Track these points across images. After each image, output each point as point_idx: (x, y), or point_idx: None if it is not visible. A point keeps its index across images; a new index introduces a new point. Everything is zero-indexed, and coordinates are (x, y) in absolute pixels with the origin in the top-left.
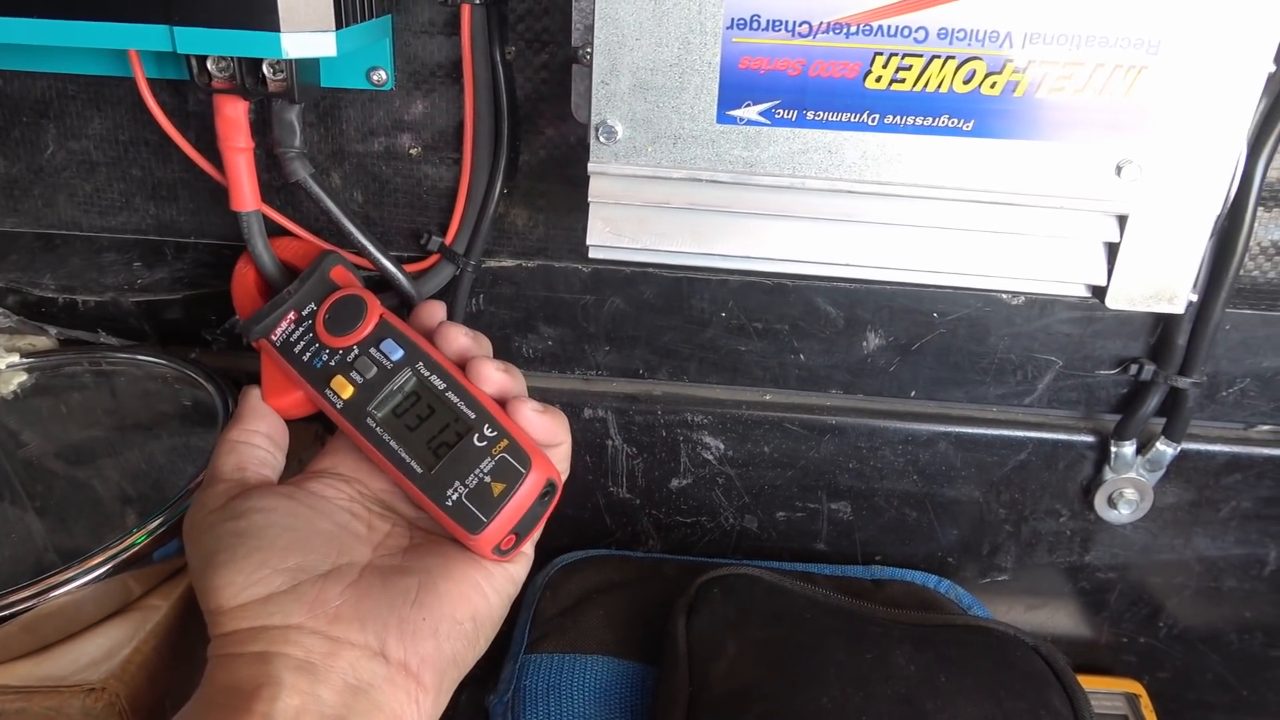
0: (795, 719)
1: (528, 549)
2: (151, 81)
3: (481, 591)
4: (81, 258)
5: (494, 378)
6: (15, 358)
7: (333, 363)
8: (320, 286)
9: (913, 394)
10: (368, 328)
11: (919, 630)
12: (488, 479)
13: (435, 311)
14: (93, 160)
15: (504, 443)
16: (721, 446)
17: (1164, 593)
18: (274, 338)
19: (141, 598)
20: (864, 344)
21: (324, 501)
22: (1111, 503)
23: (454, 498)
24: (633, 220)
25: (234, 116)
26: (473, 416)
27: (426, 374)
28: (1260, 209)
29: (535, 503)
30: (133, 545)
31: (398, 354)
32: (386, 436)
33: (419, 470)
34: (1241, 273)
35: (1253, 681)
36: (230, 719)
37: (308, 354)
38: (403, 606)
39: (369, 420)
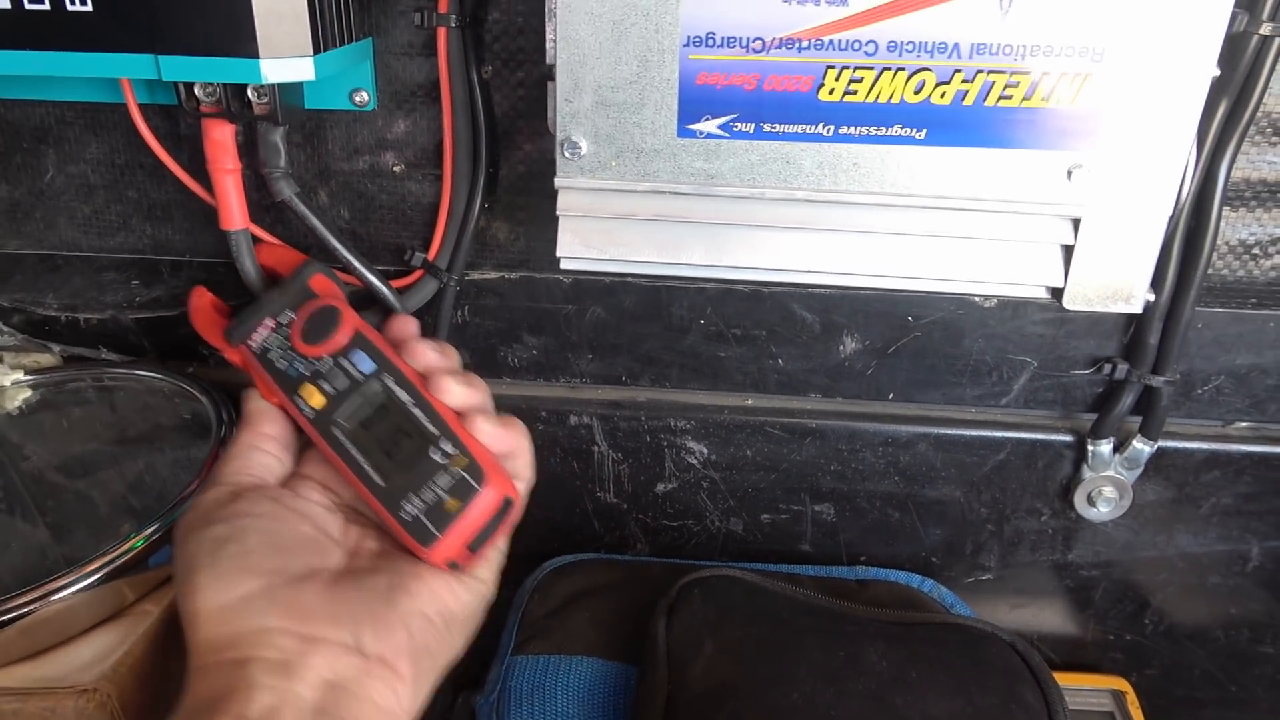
0: (766, 715)
1: (492, 557)
2: (144, 107)
3: (453, 591)
4: (82, 277)
5: (455, 391)
6: (20, 375)
7: (306, 372)
8: (299, 295)
9: (891, 396)
10: (342, 339)
11: (894, 628)
12: (444, 494)
13: (407, 325)
14: (91, 184)
15: (462, 459)
16: (705, 451)
17: (1148, 590)
18: (252, 343)
19: (134, 603)
20: (841, 348)
21: (308, 505)
22: (1091, 501)
23: (409, 510)
24: (600, 232)
25: (221, 139)
26: (434, 431)
27: (394, 387)
28: (1226, 208)
29: (490, 519)
30: (129, 550)
31: (368, 366)
32: (351, 447)
33: (379, 482)
34: (1210, 271)
35: (1240, 677)
36: None
37: (282, 362)
38: (375, 603)
39: (335, 430)
